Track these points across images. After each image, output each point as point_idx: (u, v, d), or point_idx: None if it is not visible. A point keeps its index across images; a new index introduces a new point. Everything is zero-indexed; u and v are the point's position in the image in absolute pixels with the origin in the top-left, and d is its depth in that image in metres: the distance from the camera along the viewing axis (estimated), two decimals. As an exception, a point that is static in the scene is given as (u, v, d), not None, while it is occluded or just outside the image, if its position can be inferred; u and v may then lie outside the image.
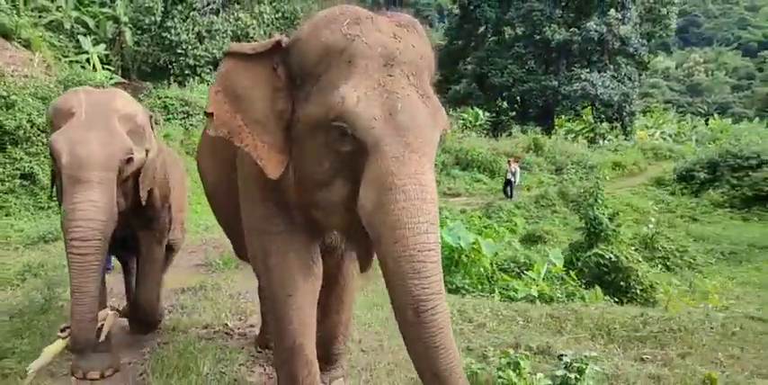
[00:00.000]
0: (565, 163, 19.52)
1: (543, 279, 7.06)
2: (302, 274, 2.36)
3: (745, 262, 10.26)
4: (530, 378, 2.98)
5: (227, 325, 4.53)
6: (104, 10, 20.97)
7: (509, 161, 16.26)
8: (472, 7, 27.80)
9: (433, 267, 1.74)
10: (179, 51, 20.60)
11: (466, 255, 7.19)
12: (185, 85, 18.72)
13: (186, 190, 4.84)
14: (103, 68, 18.98)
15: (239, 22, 21.44)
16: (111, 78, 17.78)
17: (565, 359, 3.20)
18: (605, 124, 27.46)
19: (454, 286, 6.48)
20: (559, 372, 3.11)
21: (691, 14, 74.51)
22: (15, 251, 8.06)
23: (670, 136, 32.65)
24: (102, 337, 3.22)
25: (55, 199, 3.70)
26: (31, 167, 10.03)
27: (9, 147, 10.12)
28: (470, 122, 25.12)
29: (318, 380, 2.46)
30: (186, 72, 20.56)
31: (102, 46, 19.87)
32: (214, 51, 20.40)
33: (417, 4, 59.34)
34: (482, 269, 7.08)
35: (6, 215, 9.55)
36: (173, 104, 16.19)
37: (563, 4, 26.94)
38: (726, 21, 73.70)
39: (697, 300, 6.25)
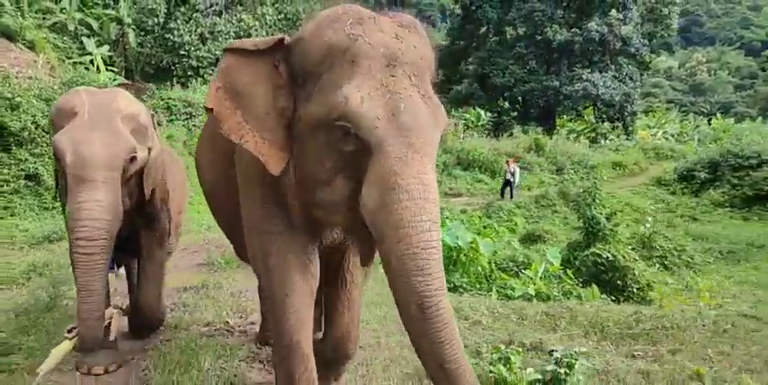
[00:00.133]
0: (566, 163, 19.56)
1: (541, 278, 7.14)
2: (300, 275, 2.39)
3: (744, 261, 10.31)
4: (520, 372, 3.07)
5: (227, 322, 4.62)
6: (108, 11, 21.11)
7: (508, 161, 16.32)
8: (474, 8, 27.84)
9: (436, 264, 1.78)
10: (182, 53, 20.73)
11: (464, 255, 7.27)
12: (188, 87, 18.80)
13: (187, 191, 4.86)
14: (107, 70, 19.12)
15: (242, 24, 21.57)
16: (114, 80, 17.90)
17: (555, 354, 3.30)
18: (607, 124, 27.52)
19: (452, 285, 6.54)
20: (549, 367, 3.20)
21: (693, 14, 74.38)
22: (20, 250, 8.17)
23: (672, 136, 32.68)
24: (112, 337, 3.29)
25: (59, 199, 3.72)
26: (36, 168, 10.15)
27: (14, 148, 10.24)
28: (472, 122, 25.19)
29: (315, 377, 2.50)
30: (189, 73, 20.69)
31: (106, 47, 20.01)
32: (217, 53, 20.50)
33: (420, 4, 59.40)
34: (480, 268, 7.16)
35: (11, 215, 9.68)
36: (176, 105, 16.26)
37: (564, 4, 26.98)
38: (728, 20, 73.54)
39: (692, 299, 6.31)
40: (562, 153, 20.15)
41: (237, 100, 2.12)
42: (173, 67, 20.91)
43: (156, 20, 20.58)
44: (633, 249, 8.50)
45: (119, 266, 4.53)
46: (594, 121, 27.74)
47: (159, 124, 14.32)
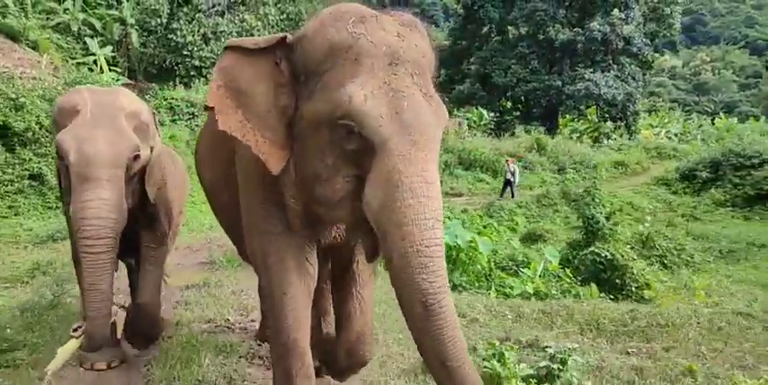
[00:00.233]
0: (567, 162, 19.58)
1: (540, 276, 7.19)
2: (298, 275, 2.42)
3: (744, 260, 10.33)
4: (514, 368, 3.12)
5: (228, 320, 4.70)
6: (111, 12, 21.15)
7: (507, 161, 16.36)
8: (476, 7, 27.82)
9: (439, 262, 1.79)
10: (185, 53, 20.77)
11: (465, 254, 7.33)
12: (191, 87, 18.80)
13: (187, 191, 4.89)
14: (110, 70, 19.16)
15: (244, 24, 21.59)
16: (117, 80, 17.94)
17: (549, 350, 3.36)
18: (609, 123, 27.51)
19: (452, 284, 6.57)
20: (543, 363, 3.26)
21: (697, 13, 74.24)
22: (25, 250, 8.27)
23: (675, 135, 32.61)
24: (119, 335, 3.32)
25: (62, 199, 3.70)
26: (40, 168, 10.22)
27: (18, 148, 10.31)
28: (475, 122, 25.22)
29: (312, 373, 2.55)
30: (192, 73, 20.71)
31: (109, 48, 20.05)
32: (219, 53, 20.49)
33: (423, 3, 59.40)
34: (479, 267, 7.21)
35: (16, 215, 9.75)
36: (178, 105, 16.27)
37: (566, 4, 26.94)
38: (733, 19, 73.35)
39: (689, 297, 6.35)
40: (564, 152, 20.15)
41: (238, 98, 2.13)
42: (175, 68, 20.95)
43: (158, 20, 20.61)
44: (632, 248, 8.54)
45: (127, 265, 4.61)
46: (597, 121, 27.74)
47: (162, 124, 14.46)
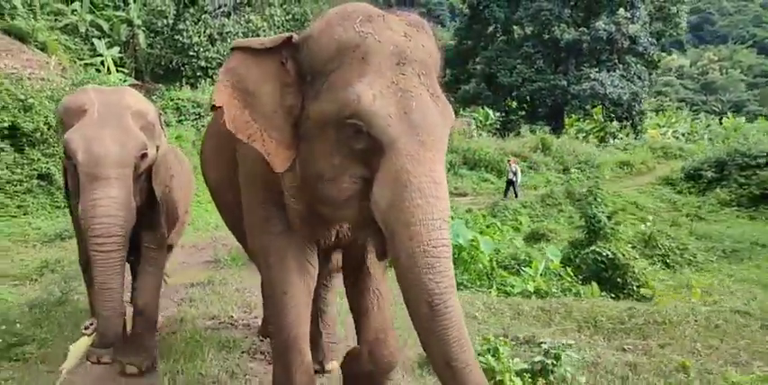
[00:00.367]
0: (572, 162, 19.58)
1: (541, 275, 7.23)
2: (299, 274, 2.47)
3: (747, 260, 10.31)
4: (508, 362, 3.19)
5: (232, 316, 4.80)
6: (118, 13, 21.33)
7: (509, 161, 16.40)
8: (481, 7, 27.89)
9: (446, 262, 1.79)
10: (191, 53, 20.93)
11: (467, 253, 7.39)
12: (197, 87, 18.92)
13: (192, 190, 4.95)
14: (117, 71, 19.32)
15: (250, 25, 21.74)
16: (124, 80, 18.08)
17: (544, 346, 3.43)
18: (615, 123, 27.46)
19: (453, 282, 6.65)
20: (537, 358, 3.33)
21: (705, 12, 73.93)
22: (33, 248, 8.40)
23: (683, 135, 32.51)
24: (129, 331, 3.35)
25: (69, 199, 3.71)
26: (48, 168, 10.33)
27: (27, 148, 10.43)
28: (481, 122, 25.26)
29: (311, 369, 2.61)
30: (198, 74, 20.88)
31: (116, 49, 20.23)
32: (225, 53, 20.66)
33: (429, 3, 59.42)
34: (481, 266, 7.27)
35: (24, 214, 9.87)
36: (185, 106, 16.36)
37: (572, 3, 26.94)
38: (741, 18, 72.96)
39: (688, 296, 6.38)
40: (569, 152, 20.14)
41: (245, 98, 2.13)
42: (182, 68, 21.11)
43: (165, 21, 20.79)
44: (634, 248, 8.57)
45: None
46: (603, 121, 27.69)
47: (168, 124, 14.58)
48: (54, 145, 10.47)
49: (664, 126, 33.11)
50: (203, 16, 21.14)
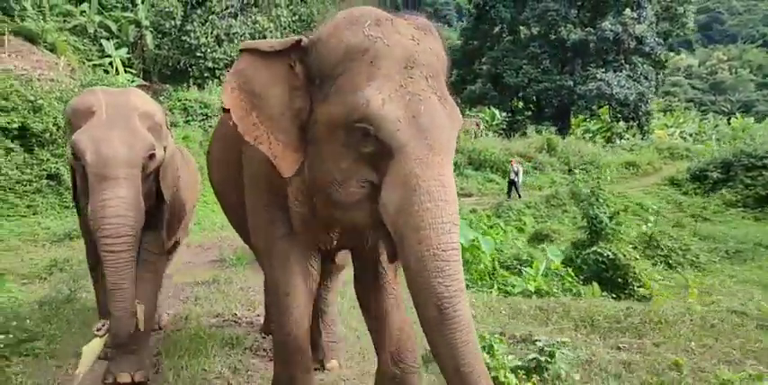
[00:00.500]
0: (578, 163, 19.57)
1: (543, 275, 7.30)
2: (301, 276, 2.52)
3: (750, 261, 10.30)
4: (502, 359, 3.27)
5: (235, 314, 4.90)
6: (126, 14, 21.54)
7: (511, 161, 16.45)
8: (487, 8, 27.90)
9: (456, 266, 1.78)
10: (198, 54, 21.09)
11: (469, 253, 7.46)
12: (204, 88, 19.03)
13: (198, 191, 5.02)
14: (125, 71, 19.53)
15: (257, 26, 21.88)
16: (132, 81, 18.27)
17: (538, 344, 3.51)
18: (622, 123, 27.40)
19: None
20: (531, 355, 3.41)
21: (714, 11, 73.58)
22: (42, 247, 8.55)
23: (690, 135, 32.38)
24: (142, 328, 3.28)
25: (78, 200, 3.69)
26: (57, 168, 10.47)
27: (36, 149, 10.57)
28: (487, 122, 25.30)
29: (311, 367, 2.70)
30: (205, 75, 21.02)
31: (125, 49, 20.44)
32: (232, 54, 20.81)
33: (436, 3, 59.49)
34: (483, 266, 7.34)
35: (34, 214, 10.02)
36: (192, 107, 16.45)
37: (578, 3, 26.92)
38: (750, 17, 72.58)
39: (686, 296, 6.41)
40: (574, 153, 20.13)
41: (253, 101, 2.13)
42: (189, 69, 21.27)
43: (173, 22, 20.96)
44: (635, 248, 8.61)
45: None
46: (610, 121, 27.65)
47: (176, 125, 14.70)
48: (63, 145, 10.60)
49: (671, 126, 33.02)
50: (210, 17, 21.29)
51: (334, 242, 2.58)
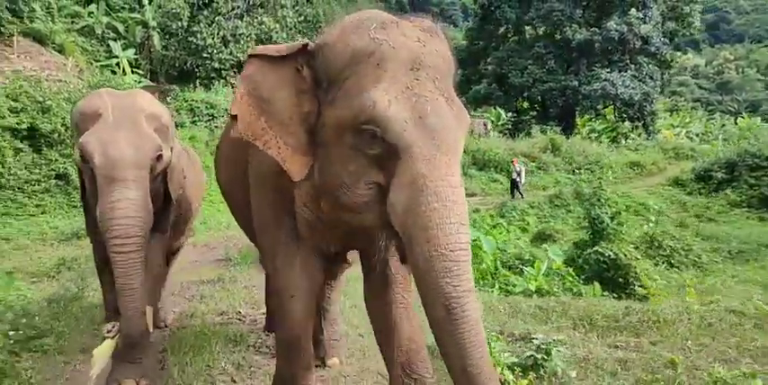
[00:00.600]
0: (582, 163, 19.58)
1: (545, 275, 7.36)
2: (305, 278, 2.56)
3: (753, 261, 10.33)
4: (499, 356, 3.34)
5: (240, 312, 4.99)
6: (134, 15, 21.66)
7: (513, 161, 16.48)
8: (492, 8, 27.87)
9: (465, 266, 1.77)
10: (205, 55, 21.20)
11: (471, 252, 7.52)
12: (211, 88, 19.13)
13: (203, 191, 5.10)
14: (132, 72, 19.65)
15: (263, 27, 21.99)
16: (139, 82, 18.39)
17: (535, 342, 3.58)
18: (627, 123, 27.33)
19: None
20: (528, 353, 3.48)
21: (721, 11, 73.25)
22: (51, 246, 8.69)
23: (696, 135, 32.20)
24: (151, 328, 3.31)
25: (84, 201, 3.78)
26: (66, 168, 10.61)
27: (45, 149, 10.72)
28: (492, 122, 25.32)
29: (312, 365, 2.77)
30: (212, 75, 21.13)
31: (132, 50, 20.56)
32: (238, 55, 20.96)
33: (441, 3, 59.46)
34: (485, 265, 7.41)
35: (42, 213, 10.17)
36: (198, 107, 16.57)
37: (584, 3, 26.83)
38: (758, 17, 72.20)
39: (683, 296, 6.45)
40: (578, 153, 20.12)
41: (261, 105, 2.14)
42: (196, 70, 21.39)
43: (179, 23, 21.07)
44: (637, 248, 8.66)
45: None
46: (615, 121, 27.58)
47: (182, 125, 14.82)
48: (71, 146, 10.73)
49: (677, 126, 32.84)
50: (217, 18, 21.40)
51: (341, 245, 2.61)
